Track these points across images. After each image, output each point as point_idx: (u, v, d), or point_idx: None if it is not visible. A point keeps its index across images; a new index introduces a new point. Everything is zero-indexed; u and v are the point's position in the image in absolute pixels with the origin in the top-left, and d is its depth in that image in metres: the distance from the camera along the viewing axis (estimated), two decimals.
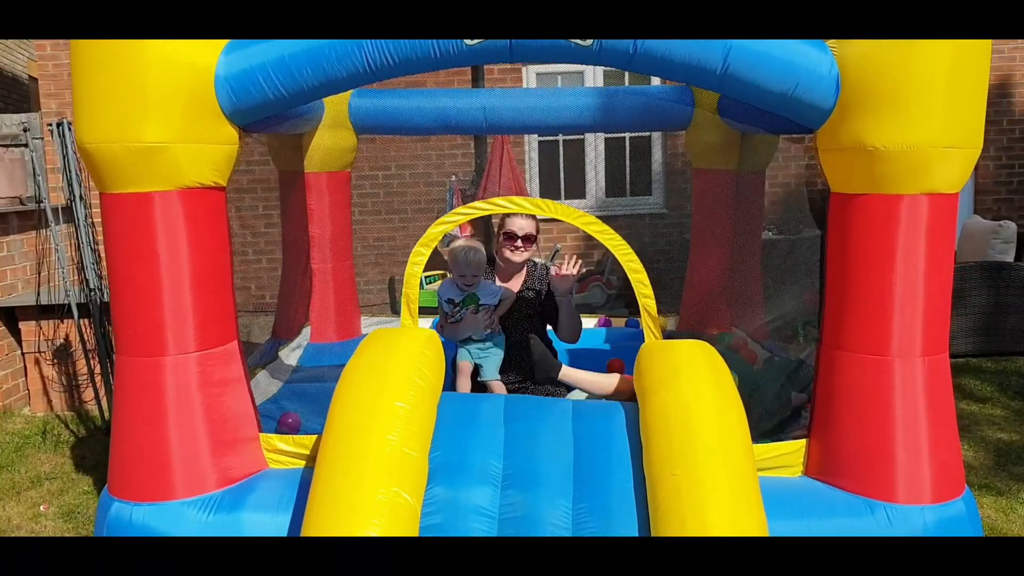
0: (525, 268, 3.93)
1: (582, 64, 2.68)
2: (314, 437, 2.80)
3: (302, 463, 2.83)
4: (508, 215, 3.76)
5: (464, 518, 2.48)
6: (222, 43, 2.59)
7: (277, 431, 2.98)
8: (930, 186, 2.50)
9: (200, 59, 2.53)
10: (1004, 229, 6.59)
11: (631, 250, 2.95)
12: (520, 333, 3.79)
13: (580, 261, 3.69)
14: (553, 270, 3.67)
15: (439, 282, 7.12)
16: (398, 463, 2.40)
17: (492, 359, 3.65)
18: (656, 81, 7.14)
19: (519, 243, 3.76)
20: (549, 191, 8.14)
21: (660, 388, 2.65)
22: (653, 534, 2.37)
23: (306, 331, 4.81)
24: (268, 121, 2.90)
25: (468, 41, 2.47)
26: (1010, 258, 6.53)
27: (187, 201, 2.60)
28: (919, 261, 2.55)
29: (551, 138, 8.00)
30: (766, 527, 2.33)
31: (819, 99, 2.55)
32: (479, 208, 2.98)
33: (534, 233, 3.80)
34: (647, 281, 2.93)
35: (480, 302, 3.58)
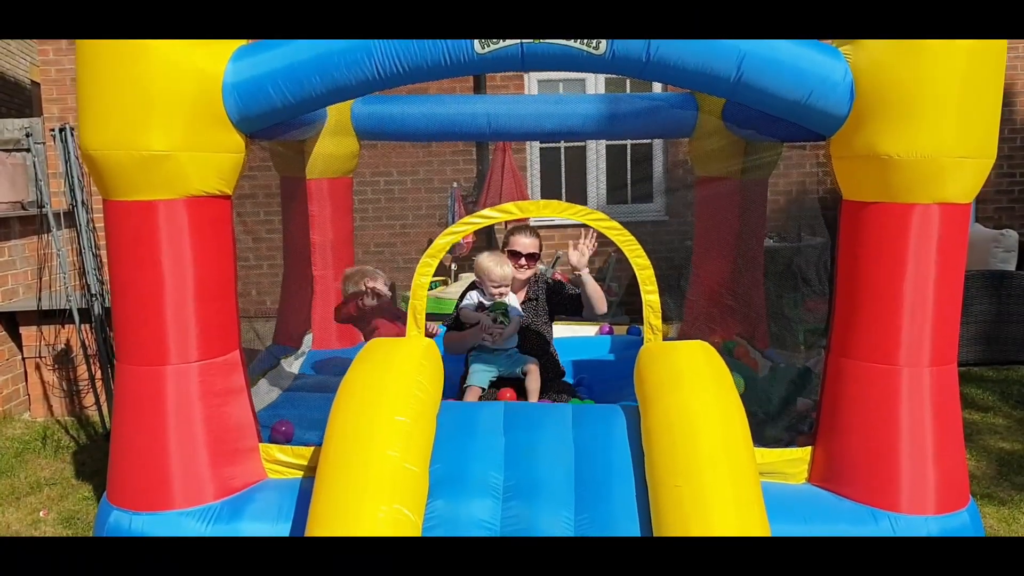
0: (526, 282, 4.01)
1: (595, 72, 2.67)
2: (312, 448, 2.78)
3: (300, 473, 2.81)
4: (512, 234, 3.92)
5: (466, 531, 2.46)
6: (229, 50, 2.58)
7: (270, 439, 2.96)
8: (942, 195, 2.50)
9: (207, 66, 2.52)
10: (1005, 238, 6.58)
11: (639, 246, 2.95)
12: (530, 343, 3.83)
13: (594, 239, 3.76)
14: (571, 246, 3.77)
15: (440, 288, 7.10)
16: (399, 479, 2.38)
17: (517, 358, 3.72)
18: (657, 88, 7.13)
19: (523, 261, 3.88)
20: (550, 197, 8.12)
21: (662, 394, 2.64)
22: None
23: (308, 338, 4.79)
24: (274, 128, 2.89)
25: (479, 48, 2.46)
26: (1012, 267, 6.52)
27: (192, 210, 2.59)
28: (930, 271, 2.54)
29: (553, 145, 8.00)
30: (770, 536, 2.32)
31: (833, 106, 2.55)
32: (487, 216, 2.97)
33: (537, 252, 3.92)
34: (653, 278, 2.93)
35: (508, 310, 3.65)
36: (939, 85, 2.41)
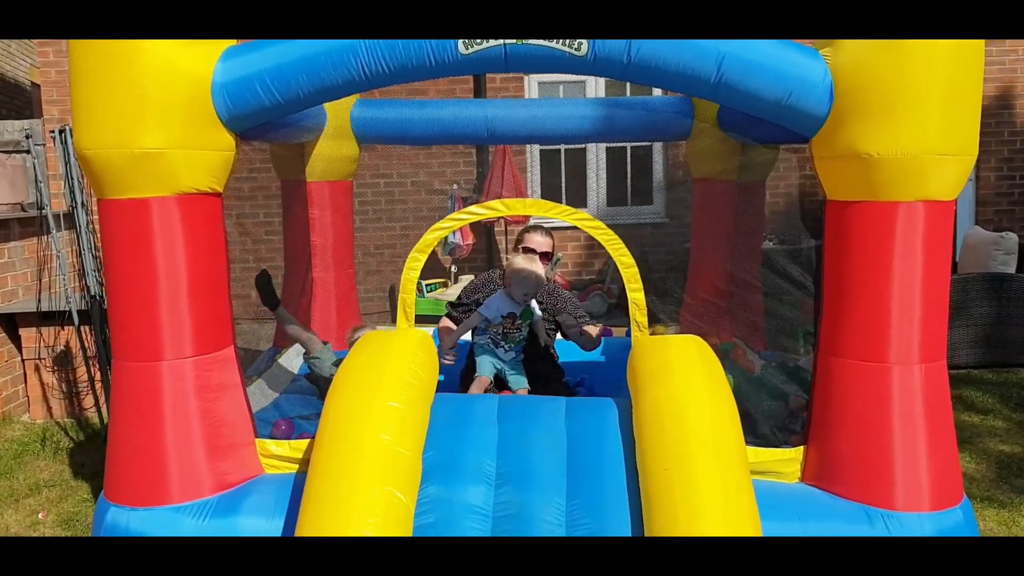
0: None
1: (578, 74, 2.69)
2: (308, 441, 2.80)
3: (297, 467, 2.83)
4: (527, 232, 3.92)
5: (458, 516, 2.49)
6: (219, 51, 2.61)
7: (271, 437, 2.98)
8: (926, 193, 2.51)
9: (197, 67, 2.55)
10: (1005, 240, 6.57)
11: (623, 246, 2.98)
12: (532, 342, 3.83)
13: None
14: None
15: (440, 290, 7.11)
16: (392, 462, 2.41)
17: (520, 371, 3.73)
18: (657, 91, 7.15)
19: (537, 259, 3.81)
20: (550, 199, 8.12)
21: (653, 383, 2.66)
22: (646, 528, 2.38)
23: None
24: (265, 128, 2.91)
25: (463, 49, 2.49)
26: (1011, 269, 6.50)
27: (184, 207, 2.62)
28: (916, 268, 2.55)
29: (553, 147, 8.01)
30: (758, 520, 2.33)
31: (813, 107, 2.56)
32: (474, 213, 3.01)
33: (550, 251, 3.93)
34: (638, 276, 2.96)
35: (534, 318, 3.67)
36: (919, 83, 2.42)
